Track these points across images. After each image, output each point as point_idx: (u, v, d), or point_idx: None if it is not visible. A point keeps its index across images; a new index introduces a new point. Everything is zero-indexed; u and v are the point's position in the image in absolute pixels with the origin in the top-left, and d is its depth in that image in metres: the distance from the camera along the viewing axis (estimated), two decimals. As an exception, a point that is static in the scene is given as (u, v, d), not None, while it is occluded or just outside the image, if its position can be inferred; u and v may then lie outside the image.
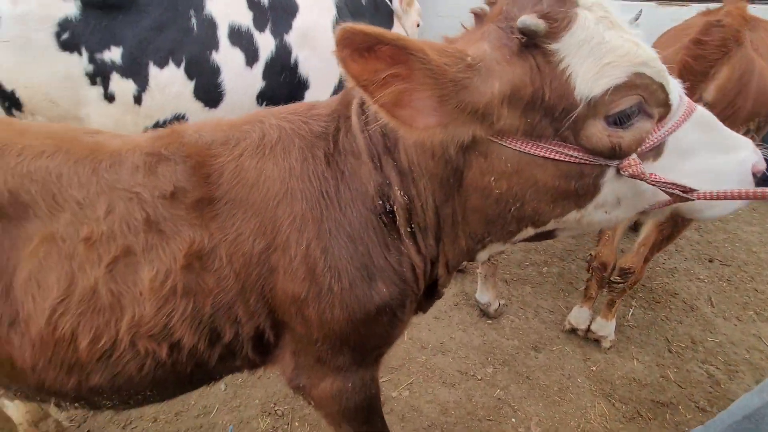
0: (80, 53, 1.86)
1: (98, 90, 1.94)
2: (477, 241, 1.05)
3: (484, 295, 2.71)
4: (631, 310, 2.90)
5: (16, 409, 1.77)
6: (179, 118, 2.03)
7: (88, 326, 0.98)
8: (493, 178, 0.91)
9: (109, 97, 1.95)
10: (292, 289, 1.02)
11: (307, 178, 1.01)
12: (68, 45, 1.84)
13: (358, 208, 1.01)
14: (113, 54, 1.88)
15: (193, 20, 1.92)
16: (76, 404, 1.13)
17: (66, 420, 2.13)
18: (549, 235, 1.04)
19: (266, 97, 2.13)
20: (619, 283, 2.23)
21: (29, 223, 0.98)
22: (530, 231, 1.01)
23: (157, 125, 2.05)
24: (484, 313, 2.79)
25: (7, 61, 1.82)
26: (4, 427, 1.55)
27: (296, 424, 2.20)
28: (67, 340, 0.98)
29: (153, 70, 1.91)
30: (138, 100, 1.96)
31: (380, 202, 1.01)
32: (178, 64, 1.93)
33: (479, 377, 2.42)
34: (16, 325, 0.97)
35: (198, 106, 2.02)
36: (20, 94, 1.89)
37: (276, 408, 2.25)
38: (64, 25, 1.81)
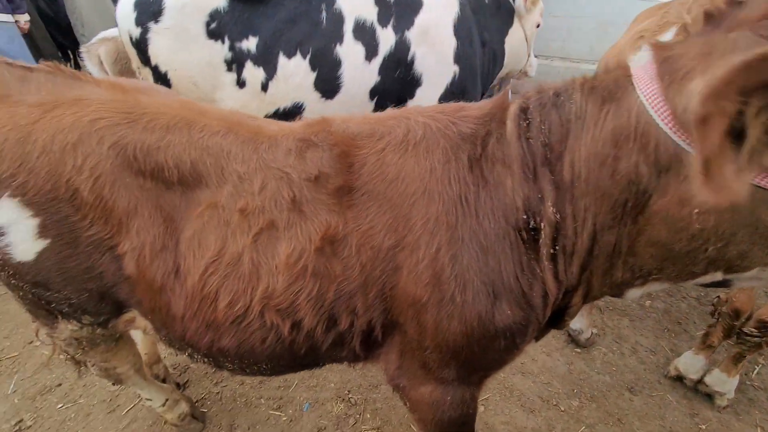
0: (223, 41, 2.05)
1: (232, 76, 2.13)
2: (639, 276, 0.94)
3: (576, 320, 2.49)
4: (758, 368, 2.47)
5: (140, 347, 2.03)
6: (297, 107, 2.15)
7: (229, 289, 1.07)
8: (696, 211, 0.78)
9: (241, 83, 2.13)
10: (414, 292, 1.01)
11: (447, 181, 0.99)
12: (214, 34, 2.03)
13: (497, 219, 0.96)
14: (250, 43, 2.04)
15: (324, 14, 2.01)
16: (205, 360, 1.25)
17: (170, 367, 2.40)
18: (726, 283, 0.89)
19: (378, 92, 2.16)
20: (754, 336, 1.90)
21: (200, 190, 1.09)
22: (718, 276, 0.88)
23: (276, 112, 2.19)
24: (573, 340, 2.58)
25: (165, 46, 2.07)
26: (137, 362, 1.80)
27: (368, 415, 2.23)
28: (210, 299, 1.08)
29: (282, 59, 2.04)
30: (265, 87, 2.11)
31: (524, 217, 0.95)
32: (304, 55, 2.03)
33: (562, 408, 2.24)
34: (178, 276, 1.09)
35: (316, 96, 2.12)
36: (171, 76, 2.14)
37: (350, 396, 2.31)
38: (213, 15, 2.00)
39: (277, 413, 2.23)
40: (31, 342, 2.69)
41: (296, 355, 1.16)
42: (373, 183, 1.02)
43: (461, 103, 1.12)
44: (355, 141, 1.07)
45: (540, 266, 0.97)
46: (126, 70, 3.02)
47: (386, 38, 2.07)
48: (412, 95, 2.23)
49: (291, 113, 2.18)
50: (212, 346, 1.15)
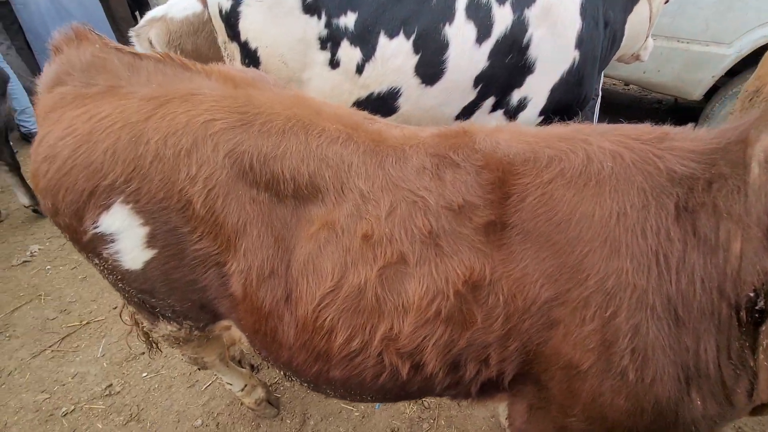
0: (319, 17, 1.87)
1: (325, 55, 1.95)
2: None
3: None
4: None
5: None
6: (393, 92, 1.96)
7: (347, 324, 0.95)
8: None
9: (334, 63, 1.96)
10: (571, 356, 0.84)
11: (641, 231, 0.78)
12: (311, 8, 1.85)
13: (707, 289, 0.76)
14: (348, 20, 1.84)
15: None
16: (304, 384, 1.17)
17: (245, 349, 2.43)
18: None
19: (484, 80, 1.92)
20: None
21: (314, 205, 0.96)
22: None
23: (369, 97, 2.01)
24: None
25: (257, 20, 1.92)
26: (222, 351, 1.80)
27: (442, 422, 2.15)
28: (324, 332, 0.97)
29: (382, 39, 1.84)
30: (360, 69, 1.93)
31: (751, 294, 0.73)
32: (408, 36, 1.82)
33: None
34: (288, 303, 0.98)
35: (415, 82, 1.91)
36: (260, 53, 2.00)
37: (424, 398, 2.24)
38: (312, -9, 1.81)
39: (349, 407, 2.21)
40: (115, 307, 2.83)
41: (407, 390, 1.04)
42: (534, 222, 0.84)
43: (663, 128, 0.88)
44: (512, 166, 0.88)
45: (755, 358, 0.76)
46: (180, 52, 2.90)
47: (502, 18, 1.80)
48: (520, 84, 1.96)
49: (385, 99, 1.99)
50: (319, 376, 1.05)
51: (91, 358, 2.48)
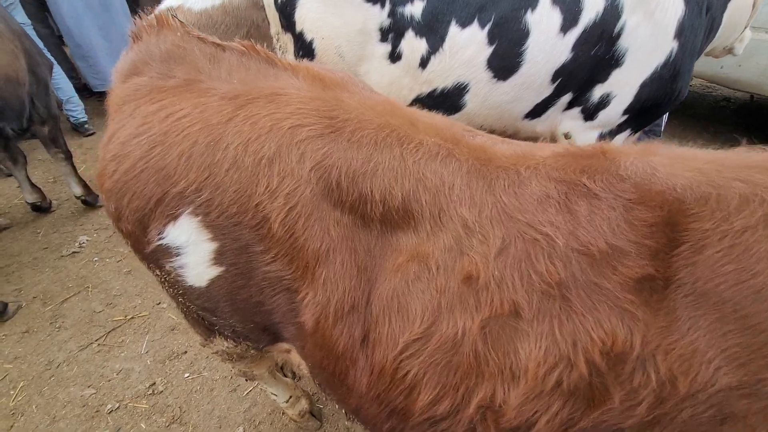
0: (383, 5, 1.71)
1: (385, 47, 1.80)
2: None
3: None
4: None
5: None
6: (460, 88, 1.78)
7: (434, 382, 0.78)
8: None
9: (395, 56, 1.80)
10: None
11: None
12: (374, -4, 1.70)
13: None
14: (414, 8, 1.67)
15: None
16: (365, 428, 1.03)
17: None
18: None
19: (564, 74, 1.70)
20: None
21: (404, 233, 0.81)
22: None
23: (431, 94, 1.84)
24: None
25: (314, 10, 1.79)
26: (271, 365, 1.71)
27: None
28: (405, 386, 0.81)
29: (453, 29, 1.66)
30: (424, 62, 1.76)
31: None
32: (482, 25, 1.63)
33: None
34: (365, 345, 0.83)
35: (486, 76, 1.72)
36: (316, 45, 1.87)
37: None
38: (376, -28, 1.65)
39: (396, 425, 2.08)
40: (159, 303, 2.82)
41: None
42: (715, 282, 0.64)
43: None
44: (682, 204, 0.67)
45: None
46: None
47: (593, 3, 1.57)
48: (604, 78, 1.73)
49: (449, 95, 1.81)
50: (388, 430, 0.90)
51: (135, 354, 2.47)
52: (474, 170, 0.79)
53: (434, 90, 1.82)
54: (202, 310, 1.02)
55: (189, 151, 0.83)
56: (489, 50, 1.66)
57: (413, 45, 1.73)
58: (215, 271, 0.90)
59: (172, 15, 0.95)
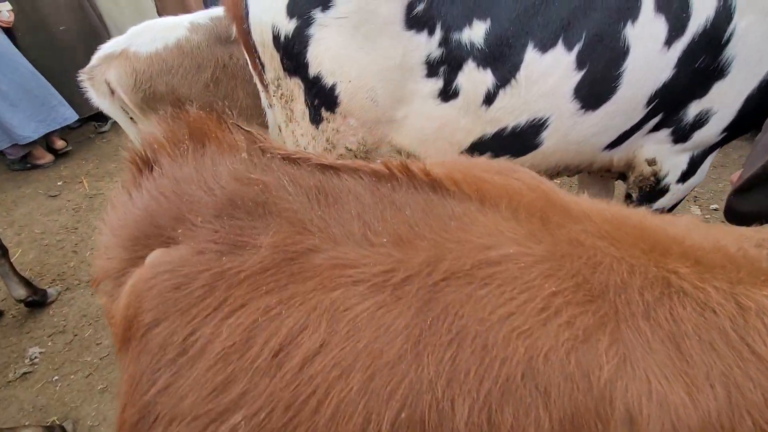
0: (431, 32, 1.30)
1: (434, 84, 1.39)
2: None
3: None
4: None
5: None
6: (537, 124, 1.40)
7: None
8: None
9: (450, 94, 1.39)
10: None
11: None
12: (419, 20, 1.28)
13: None
14: (475, 33, 1.28)
15: None
16: None
17: None
18: None
19: (661, 95, 1.37)
20: None
21: None
22: None
23: (498, 135, 1.45)
24: None
25: (336, 44, 1.34)
26: None
27: None
28: None
29: (530, 55, 1.28)
30: (490, 98, 1.36)
31: None
32: (569, 46, 1.26)
33: None
34: None
35: (572, 108, 1.36)
36: (341, 90, 1.42)
37: None
38: (422, -9, 1.24)
39: None
40: None
41: None
42: None
43: None
44: None
45: None
46: (151, 97, 2.28)
47: (702, 6, 1.25)
48: (702, 93, 1.42)
49: (520, 135, 1.43)
50: None
51: None
52: (692, 291, 0.44)
53: (502, 130, 1.43)
54: None
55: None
56: (577, 77, 1.30)
57: (475, 78, 1.34)
58: None
59: (229, 121, 0.47)
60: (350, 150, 1.61)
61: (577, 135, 1.43)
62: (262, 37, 1.47)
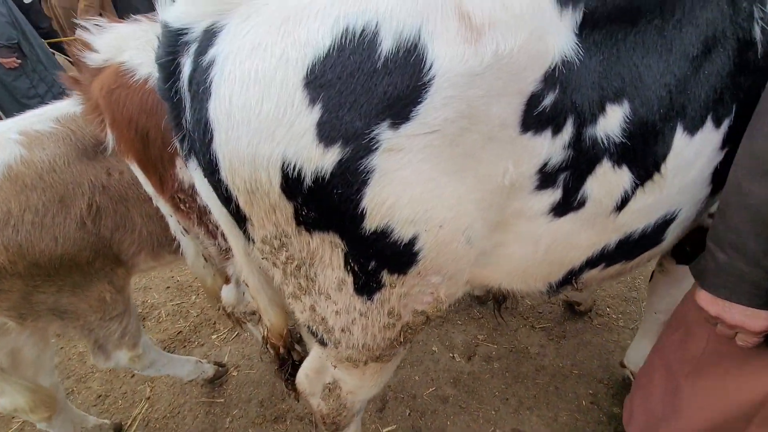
0: (557, 131, 0.83)
1: (548, 197, 0.92)
2: None
3: None
4: None
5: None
6: (666, 221, 1.06)
7: None
8: None
9: (571, 205, 0.95)
10: None
11: None
12: (544, 120, 0.80)
13: None
14: (611, 122, 0.86)
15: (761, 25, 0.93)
16: None
17: None
18: None
19: None
20: None
21: None
22: None
23: (621, 243, 1.06)
24: None
25: (421, 176, 0.76)
26: None
27: None
28: None
29: (679, 140, 0.92)
30: (624, 201, 0.97)
31: None
32: (717, 122, 0.95)
33: None
34: None
35: (703, 193, 1.06)
36: (425, 242, 0.83)
37: None
38: (549, 79, 0.76)
39: None
40: None
41: None
42: None
43: None
44: None
45: None
46: None
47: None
48: None
49: (645, 238, 1.08)
50: None
51: None
52: None
53: (629, 236, 1.05)
54: None
55: None
56: (719, 158, 1.00)
57: (609, 180, 0.92)
58: None
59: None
60: (422, 313, 1.02)
61: (692, 220, 1.15)
62: (250, 182, 0.78)
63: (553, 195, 0.93)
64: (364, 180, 0.74)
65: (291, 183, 0.75)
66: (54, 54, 4.27)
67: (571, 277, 1.12)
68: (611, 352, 2.37)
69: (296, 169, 0.73)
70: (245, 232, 0.92)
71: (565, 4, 0.75)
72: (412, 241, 0.83)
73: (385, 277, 0.90)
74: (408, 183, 0.76)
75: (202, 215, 1.44)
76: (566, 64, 0.77)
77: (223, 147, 0.76)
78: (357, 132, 0.70)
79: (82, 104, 1.26)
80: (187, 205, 1.40)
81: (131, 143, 1.23)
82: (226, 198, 0.85)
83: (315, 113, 0.70)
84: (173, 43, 0.81)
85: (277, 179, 0.76)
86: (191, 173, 0.95)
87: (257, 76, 0.70)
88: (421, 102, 0.70)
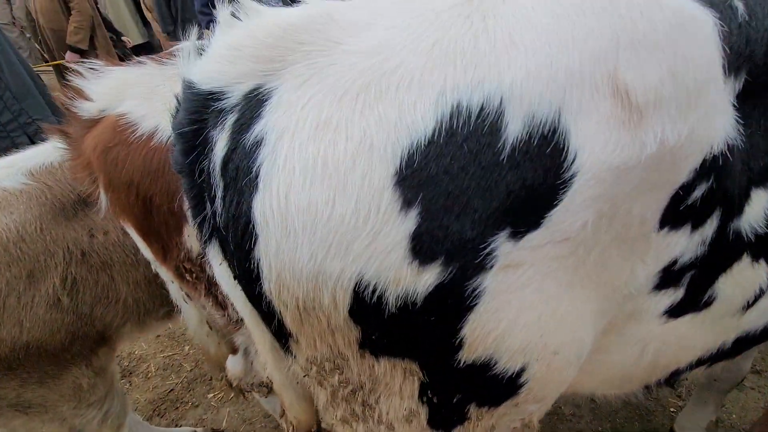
0: (698, 225, 0.64)
1: (667, 298, 0.73)
2: None
3: None
4: None
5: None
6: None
7: None
8: None
9: (693, 307, 0.76)
10: None
11: None
12: (687, 214, 0.62)
13: None
14: (753, 209, 0.68)
15: None
16: None
17: None
18: None
19: None
20: None
21: None
22: None
23: (740, 340, 0.87)
24: None
25: (542, 297, 0.56)
26: None
27: None
28: None
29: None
30: (755, 299, 0.78)
31: None
32: None
33: None
34: None
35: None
36: (533, 372, 0.63)
37: None
38: (706, 167, 0.58)
39: None
40: None
41: None
42: None
43: None
44: None
45: None
46: None
47: None
48: None
49: (762, 335, 0.89)
50: None
51: None
52: None
53: (748, 333, 0.87)
54: None
55: None
56: None
57: (745, 277, 0.74)
58: None
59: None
60: (504, 440, 0.80)
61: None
62: (305, 300, 0.57)
63: (673, 296, 0.74)
64: (468, 306, 0.54)
65: (365, 307, 0.55)
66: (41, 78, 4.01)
67: (673, 379, 0.93)
68: (652, 412, 2.17)
69: (376, 293, 0.53)
70: (286, 347, 0.71)
71: (728, 71, 0.58)
72: (519, 374, 0.62)
73: (472, 410, 0.68)
74: (525, 306, 0.56)
75: (211, 286, 1.21)
76: (728, 147, 0.59)
77: (271, 257, 0.55)
78: (467, 245, 0.50)
79: (70, 161, 1.03)
80: (195, 275, 1.17)
81: (130, 209, 1.01)
82: (266, 313, 0.64)
83: (410, 221, 0.50)
84: (200, 109, 0.60)
85: (345, 302, 0.55)
86: (209, 260, 0.74)
87: (327, 168, 0.50)
88: (556, 205, 0.51)
